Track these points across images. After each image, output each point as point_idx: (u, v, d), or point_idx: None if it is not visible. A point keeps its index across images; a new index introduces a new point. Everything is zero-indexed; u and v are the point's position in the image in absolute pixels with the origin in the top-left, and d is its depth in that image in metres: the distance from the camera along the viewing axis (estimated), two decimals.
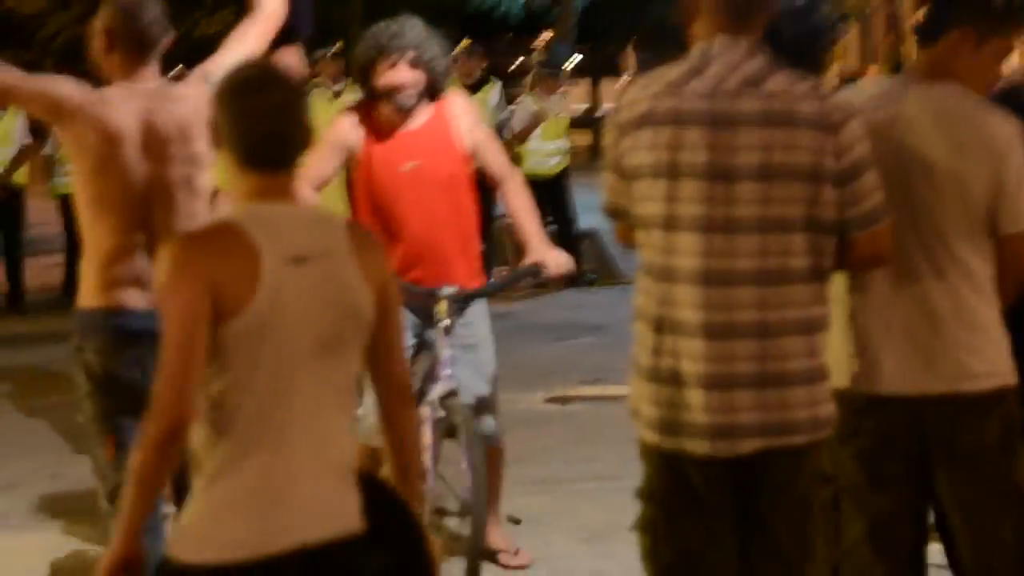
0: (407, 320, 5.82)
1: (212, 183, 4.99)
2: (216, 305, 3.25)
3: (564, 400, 9.54)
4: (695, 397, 3.75)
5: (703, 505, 3.83)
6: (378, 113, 6.10)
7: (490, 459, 6.04)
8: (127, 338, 4.84)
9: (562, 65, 16.42)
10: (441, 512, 5.91)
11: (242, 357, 3.28)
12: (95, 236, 4.89)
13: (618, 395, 9.96)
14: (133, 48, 4.92)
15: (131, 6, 4.92)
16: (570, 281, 5.82)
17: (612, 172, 3.91)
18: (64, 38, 37.16)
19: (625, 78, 24.60)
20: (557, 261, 6.06)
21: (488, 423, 6.12)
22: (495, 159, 6.25)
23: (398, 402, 3.58)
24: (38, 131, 13.71)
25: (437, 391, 5.85)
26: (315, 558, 3.31)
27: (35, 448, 8.68)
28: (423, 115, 6.13)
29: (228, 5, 33.01)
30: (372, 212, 6.07)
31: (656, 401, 3.81)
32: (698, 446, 3.77)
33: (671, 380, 3.78)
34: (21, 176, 13.86)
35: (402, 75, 6.01)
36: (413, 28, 6.06)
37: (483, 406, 6.10)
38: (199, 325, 3.23)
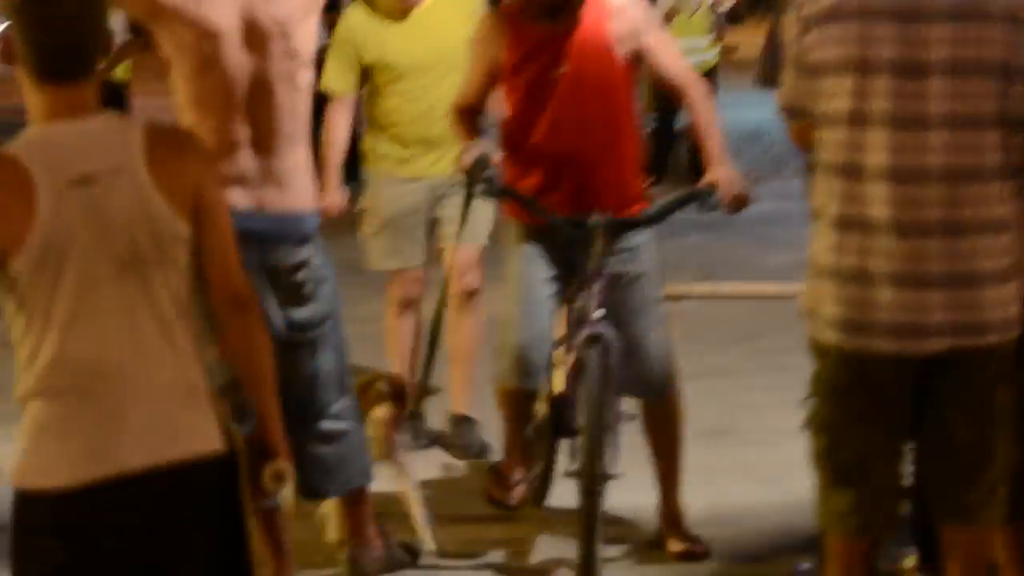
0: (543, 257, 5.43)
1: (294, 80, 4.86)
2: None
3: (676, 298, 9.51)
4: (884, 295, 3.70)
5: (885, 404, 3.78)
6: (521, 14, 5.44)
7: (657, 414, 5.56)
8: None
9: None
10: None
11: (38, 290, 3.16)
12: (199, 135, 4.67)
13: (729, 293, 10.20)
14: None
15: None
16: (737, 207, 5.27)
17: (793, 68, 3.84)
18: None
19: None
20: (731, 184, 5.27)
21: (653, 370, 5.44)
22: (670, 63, 5.46)
23: (234, 313, 3.36)
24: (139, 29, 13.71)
25: (581, 336, 5.21)
26: (138, 484, 3.16)
27: None
28: (574, 13, 5.38)
29: None
30: (513, 127, 5.47)
31: (839, 300, 3.75)
32: (885, 344, 3.72)
33: (857, 278, 3.72)
34: (124, 71, 13.87)
35: None
36: None
37: (647, 354, 5.41)
38: None
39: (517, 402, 5.49)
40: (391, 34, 6.54)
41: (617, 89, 5.41)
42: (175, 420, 3.22)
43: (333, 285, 5.00)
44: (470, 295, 6.67)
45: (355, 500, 5.20)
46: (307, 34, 4.86)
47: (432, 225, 6.71)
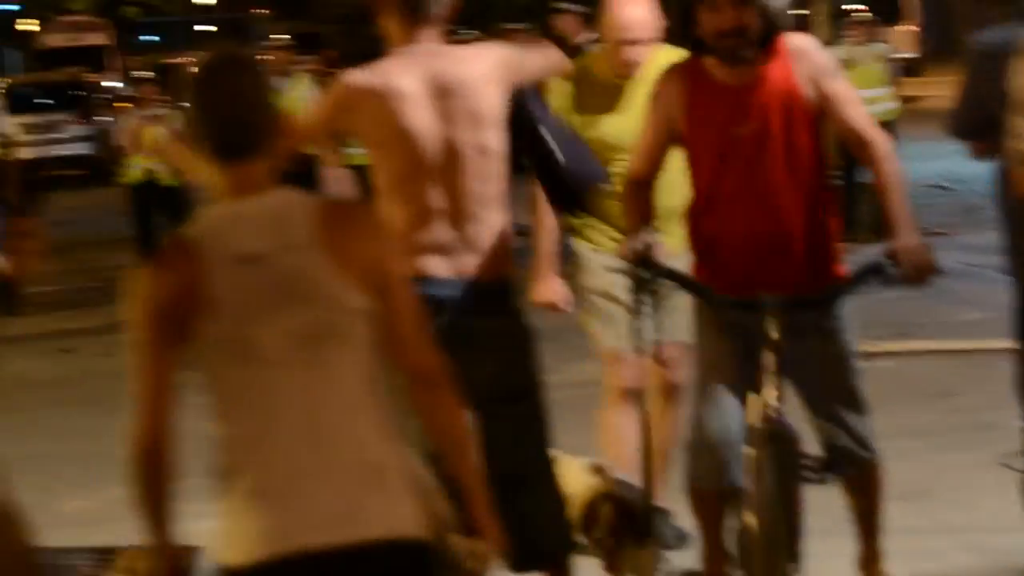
0: (727, 343, 5.08)
1: (484, 145, 4.88)
2: (171, 324, 3.19)
3: (869, 356, 9.34)
4: None
5: None
6: (703, 68, 5.03)
7: (856, 481, 5.27)
8: (432, 305, 4.57)
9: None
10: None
11: (218, 367, 3.21)
12: (393, 206, 4.86)
13: (925, 350, 10.01)
14: (406, 12, 4.88)
15: None
16: (920, 278, 4.86)
17: None
18: (345, 7, 37.77)
19: None
20: (913, 254, 4.84)
21: (850, 448, 5.16)
22: (854, 114, 5.05)
23: (423, 389, 3.33)
24: None
25: (758, 430, 4.89)
26: (318, 565, 3.14)
27: None
28: (758, 65, 4.97)
29: None
30: (693, 195, 5.14)
31: None
32: None
33: None
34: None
35: (728, 17, 4.87)
36: None
37: (842, 432, 5.14)
38: (151, 351, 3.21)
39: (711, 504, 5.22)
40: (605, 109, 6.21)
41: (808, 145, 5.01)
42: (358, 501, 3.18)
43: (534, 350, 4.98)
44: (673, 391, 6.28)
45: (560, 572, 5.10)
46: (494, 97, 4.88)
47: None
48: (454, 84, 4.83)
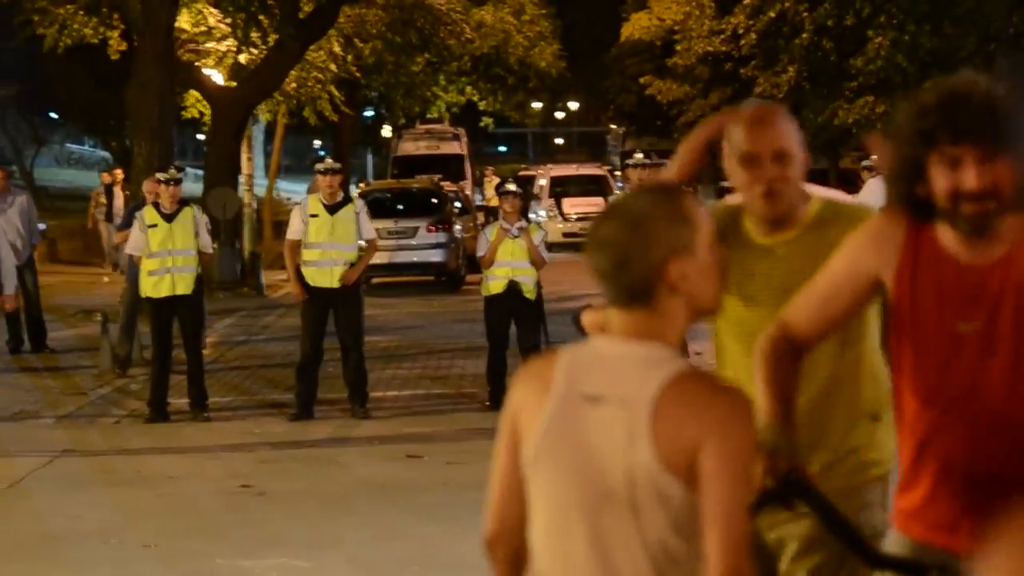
0: None
1: None
2: (517, 432, 3.25)
3: None
4: None
5: None
6: (928, 233, 3.82)
7: None
8: None
9: None
10: None
11: (532, 486, 3.23)
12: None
13: None
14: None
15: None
16: None
17: None
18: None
19: None
20: None
21: None
22: None
23: None
24: None
25: None
26: None
27: None
28: (999, 241, 3.74)
29: (866, 93, 33.01)
30: (896, 397, 3.92)
31: None
32: None
33: None
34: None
35: (979, 176, 3.63)
36: (994, 96, 3.65)
37: None
38: (504, 451, 3.28)
39: None
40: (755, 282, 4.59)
41: None
42: None
43: None
44: None
45: None
46: None
47: None
48: None
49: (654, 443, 3.06)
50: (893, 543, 3.89)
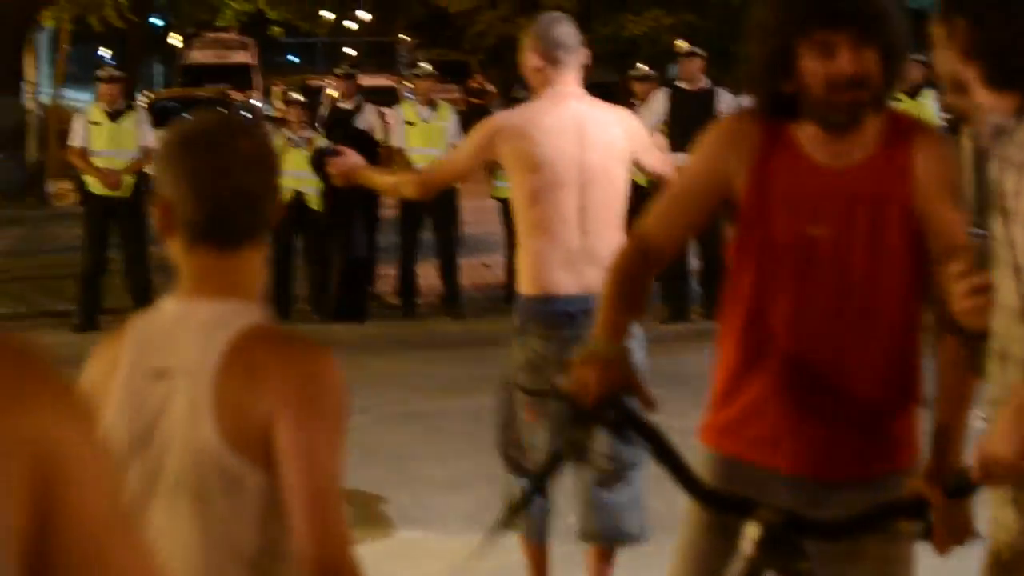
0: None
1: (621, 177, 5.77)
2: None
3: None
4: None
5: None
6: (786, 133, 3.66)
7: None
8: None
9: None
10: None
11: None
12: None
13: None
14: (550, 63, 5.80)
15: (541, 27, 5.83)
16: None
17: None
18: (493, 36, 38.02)
19: None
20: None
21: None
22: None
23: None
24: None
25: None
26: None
27: (474, 450, 8.75)
28: (865, 138, 3.62)
29: (652, 7, 33.38)
30: (732, 306, 3.74)
31: None
32: None
33: None
34: None
35: (854, 62, 3.51)
36: None
37: None
38: None
39: None
40: None
41: (905, 278, 3.63)
42: None
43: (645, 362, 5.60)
44: None
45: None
46: (621, 141, 5.82)
47: None
48: (589, 123, 5.74)
49: (217, 419, 2.64)
50: (703, 463, 3.72)
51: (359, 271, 14.16)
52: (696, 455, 3.73)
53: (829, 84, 3.49)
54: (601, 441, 5.61)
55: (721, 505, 3.51)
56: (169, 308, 2.80)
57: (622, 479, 5.82)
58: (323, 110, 16.23)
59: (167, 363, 2.71)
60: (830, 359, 3.63)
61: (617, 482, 5.81)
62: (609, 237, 5.59)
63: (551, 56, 5.77)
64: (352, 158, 6.02)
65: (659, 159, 6.00)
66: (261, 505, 2.65)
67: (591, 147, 5.70)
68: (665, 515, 5.53)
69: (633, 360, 3.65)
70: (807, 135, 3.62)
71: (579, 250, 5.66)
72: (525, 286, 5.80)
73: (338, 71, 15.61)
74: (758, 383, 3.66)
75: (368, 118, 14.52)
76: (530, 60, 5.84)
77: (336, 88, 15.63)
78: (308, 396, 2.63)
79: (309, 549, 2.56)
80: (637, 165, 5.88)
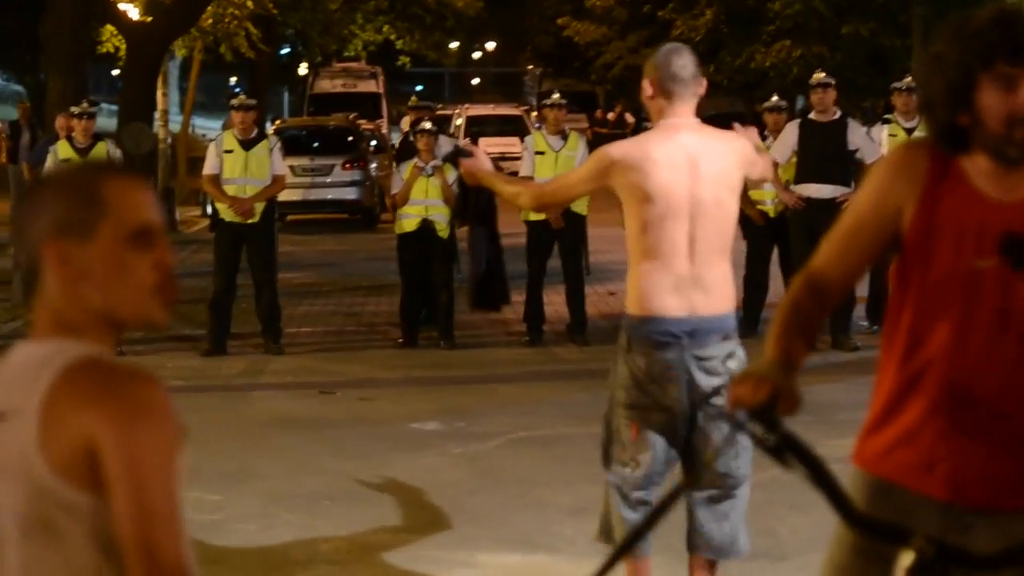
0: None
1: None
2: None
3: None
4: None
5: None
6: (956, 165, 3.62)
7: None
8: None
9: None
10: None
11: None
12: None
13: None
14: (663, 95, 6.01)
15: (659, 59, 6.04)
16: None
17: None
18: (620, 67, 37.99)
19: None
20: None
21: None
22: None
23: None
24: None
25: None
26: None
27: (601, 475, 8.69)
28: None
29: (783, 37, 33.16)
30: (895, 338, 3.70)
31: None
32: None
33: None
34: (581, 205, 13.94)
35: None
36: None
37: None
38: None
39: None
40: None
41: None
42: None
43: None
44: None
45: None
46: (735, 171, 6.05)
47: None
48: (702, 152, 5.93)
49: (46, 453, 2.63)
50: (854, 486, 3.68)
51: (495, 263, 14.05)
52: (846, 479, 3.65)
53: (1009, 119, 3.47)
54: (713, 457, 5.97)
55: (875, 531, 3.48)
56: (15, 351, 2.79)
57: (731, 496, 6.11)
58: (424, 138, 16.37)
59: (3, 405, 2.70)
60: (988, 387, 3.57)
61: (727, 498, 6.10)
62: (717, 264, 5.96)
63: (664, 88, 5.99)
64: (483, 161, 6.39)
65: (763, 167, 6.29)
66: (109, 536, 2.64)
67: (703, 179, 5.92)
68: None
69: (796, 387, 3.49)
70: (977, 167, 3.58)
71: (688, 276, 5.91)
72: (633, 307, 6.04)
73: (411, 103, 15.82)
74: (915, 408, 3.62)
75: (443, 150, 14.52)
76: (646, 90, 6.07)
77: (411, 119, 15.85)
78: (128, 418, 2.61)
79: (136, 570, 2.57)
80: (747, 180, 6.23)
